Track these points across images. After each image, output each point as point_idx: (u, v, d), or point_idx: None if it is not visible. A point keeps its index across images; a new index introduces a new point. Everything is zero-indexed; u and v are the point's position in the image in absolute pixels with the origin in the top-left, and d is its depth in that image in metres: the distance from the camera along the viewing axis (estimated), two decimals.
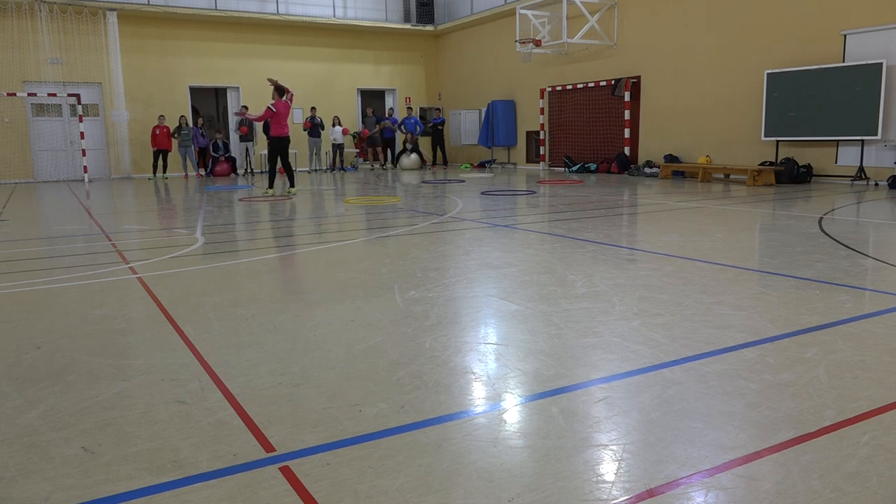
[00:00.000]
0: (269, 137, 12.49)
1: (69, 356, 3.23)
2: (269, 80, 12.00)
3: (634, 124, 16.24)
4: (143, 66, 18.70)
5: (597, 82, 16.88)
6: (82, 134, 17.01)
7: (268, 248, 6.58)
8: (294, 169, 20.43)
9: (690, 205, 9.23)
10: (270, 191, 12.37)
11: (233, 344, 3.38)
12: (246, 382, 2.83)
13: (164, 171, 18.30)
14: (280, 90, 11.82)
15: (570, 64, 17.91)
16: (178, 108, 19.03)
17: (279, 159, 12.27)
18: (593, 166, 17.07)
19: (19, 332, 3.68)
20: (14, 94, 16.58)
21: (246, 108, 18.67)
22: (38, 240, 7.28)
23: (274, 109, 11.76)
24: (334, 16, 20.79)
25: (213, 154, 18.66)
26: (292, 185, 12.50)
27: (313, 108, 19.09)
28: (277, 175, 16.41)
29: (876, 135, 11.31)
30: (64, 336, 3.58)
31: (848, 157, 12.08)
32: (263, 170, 20.06)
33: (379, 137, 20.53)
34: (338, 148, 19.69)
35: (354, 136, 21.07)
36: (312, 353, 3.22)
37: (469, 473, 2.03)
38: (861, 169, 11.72)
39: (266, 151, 19.24)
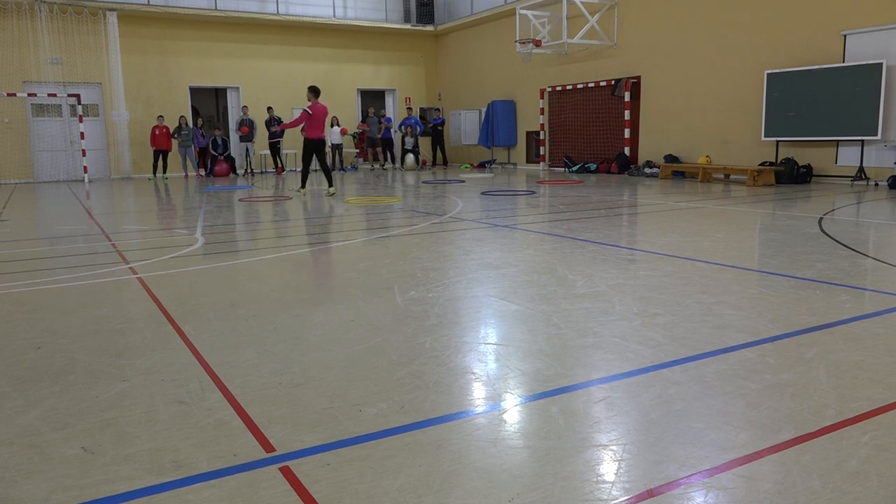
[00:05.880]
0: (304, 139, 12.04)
1: (69, 356, 3.23)
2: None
3: (634, 124, 16.24)
4: (143, 67, 18.70)
5: (597, 82, 16.88)
6: (82, 134, 17.01)
7: (268, 249, 6.57)
8: (295, 169, 20.54)
9: (690, 205, 9.23)
10: (304, 190, 12.08)
11: (233, 344, 3.38)
12: (246, 382, 2.83)
13: (164, 172, 18.30)
14: (315, 92, 11.57)
15: (570, 64, 17.91)
16: (178, 109, 19.04)
17: (314, 159, 11.92)
18: (593, 166, 17.07)
19: (19, 332, 3.68)
20: (14, 95, 16.58)
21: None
22: (38, 240, 7.28)
23: (310, 112, 11.45)
24: (334, 16, 20.79)
25: (212, 152, 18.64)
26: (330, 185, 11.98)
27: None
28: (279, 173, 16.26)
29: (876, 135, 11.31)
30: (64, 336, 3.58)
31: (848, 157, 12.08)
32: (264, 170, 20.08)
33: (378, 138, 20.54)
34: (336, 148, 19.69)
35: (354, 136, 21.07)
36: (312, 352, 3.22)
37: (469, 474, 2.03)
38: (861, 169, 11.72)
39: (266, 151, 19.45)
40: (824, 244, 5.91)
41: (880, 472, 1.98)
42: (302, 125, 11.86)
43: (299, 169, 20.49)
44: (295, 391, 2.73)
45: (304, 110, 11.55)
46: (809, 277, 4.60)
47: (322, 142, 11.78)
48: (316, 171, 19.57)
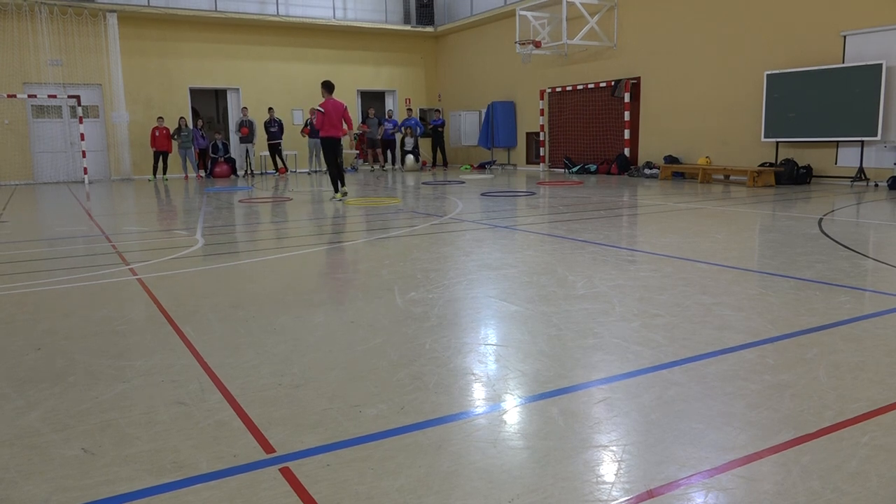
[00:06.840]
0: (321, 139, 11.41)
1: (69, 357, 3.23)
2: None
3: (634, 125, 16.24)
4: (144, 68, 18.70)
5: (596, 83, 16.89)
6: (82, 135, 17.01)
7: (267, 250, 6.58)
8: (295, 170, 20.53)
9: (690, 206, 9.23)
10: (340, 193, 11.24)
11: (233, 345, 3.38)
12: (246, 383, 2.83)
13: (164, 173, 18.31)
14: (329, 87, 10.94)
15: (569, 65, 17.92)
16: (178, 110, 19.04)
17: (333, 159, 11.28)
18: (593, 167, 17.08)
19: (20, 333, 3.68)
20: (14, 96, 16.59)
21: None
22: (38, 241, 7.28)
23: (322, 110, 10.89)
24: (334, 17, 20.80)
25: (212, 155, 18.67)
26: (342, 185, 11.36)
27: (313, 110, 19.07)
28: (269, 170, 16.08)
29: (875, 136, 11.31)
30: (64, 337, 3.58)
31: (848, 157, 12.08)
32: (264, 171, 20.07)
33: (379, 139, 20.54)
34: None
35: (355, 137, 21.08)
36: (312, 353, 3.22)
37: (469, 474, 2.03)
38: (861, 170, 11.72)
39: (267, 152, 19.45)
40: (824, 245, 5.91)
41: (880, 472, 1.98)
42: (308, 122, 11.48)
43: (301, 170, 20.52)
44: (295, 392, 2.73)
45: (318, 110, 10.99)
46: (809, 278, 4.60)
47: (338, 141, 11.16)
48: (320, 171, 19.58)
